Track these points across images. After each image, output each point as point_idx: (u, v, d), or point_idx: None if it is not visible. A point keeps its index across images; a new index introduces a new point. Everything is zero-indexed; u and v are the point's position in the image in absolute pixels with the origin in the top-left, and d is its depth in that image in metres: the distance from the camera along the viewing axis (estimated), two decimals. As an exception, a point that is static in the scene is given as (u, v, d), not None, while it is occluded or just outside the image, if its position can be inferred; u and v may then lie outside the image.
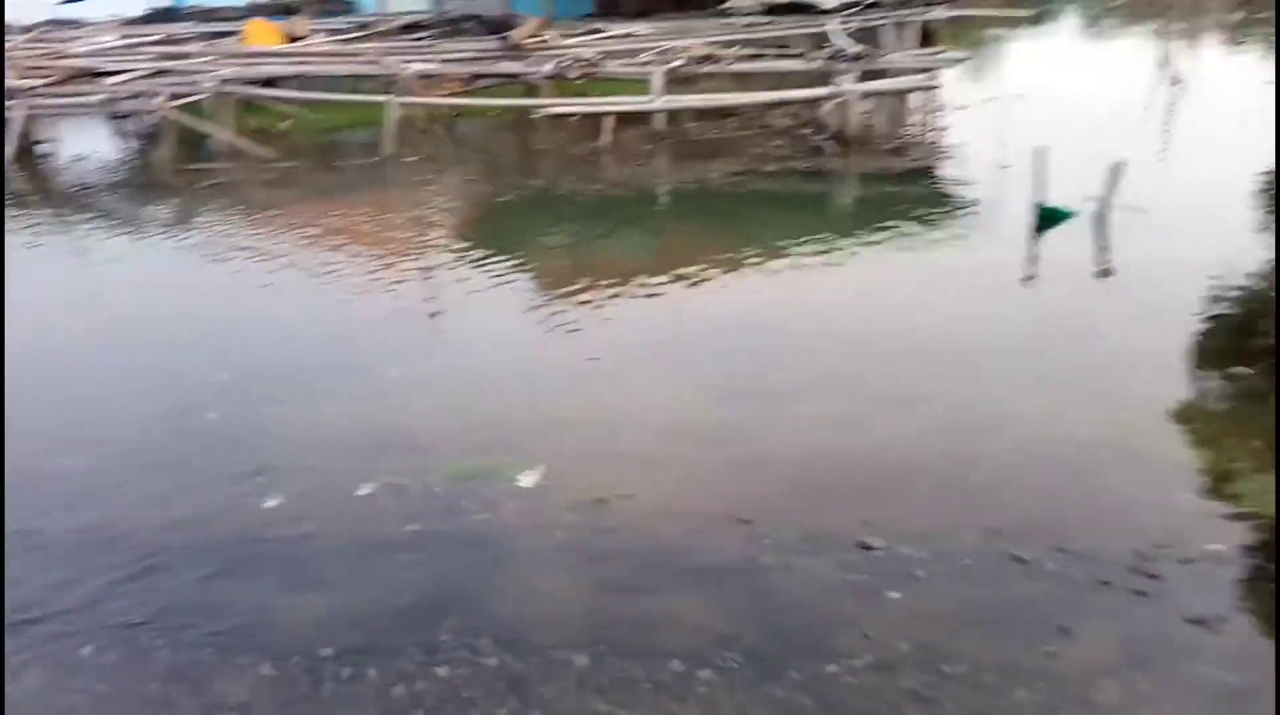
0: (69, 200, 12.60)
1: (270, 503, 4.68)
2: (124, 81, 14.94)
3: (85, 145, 15.47)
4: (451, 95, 15.86)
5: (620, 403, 5.69)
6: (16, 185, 13.47)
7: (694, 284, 7.77)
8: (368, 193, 11.94)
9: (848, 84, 12.57)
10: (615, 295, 7.58)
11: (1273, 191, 8.99)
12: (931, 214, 9.39)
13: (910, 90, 14.13)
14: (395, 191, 12.01)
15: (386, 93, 14.59)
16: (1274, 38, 17.47)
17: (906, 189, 10.75)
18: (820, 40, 16.02)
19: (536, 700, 3.35)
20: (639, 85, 15.03)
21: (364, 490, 4.77)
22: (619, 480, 4.68)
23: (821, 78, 13.78)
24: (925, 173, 11.40)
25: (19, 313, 7.84)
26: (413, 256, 9.09)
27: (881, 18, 18.16)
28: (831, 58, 13.97)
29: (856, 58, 13.87)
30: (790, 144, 13.04)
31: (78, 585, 4.05)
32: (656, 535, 4.21)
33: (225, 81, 14.44)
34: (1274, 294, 6.72)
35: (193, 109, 14.32)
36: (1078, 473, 4.58)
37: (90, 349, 6.99)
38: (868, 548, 4.01)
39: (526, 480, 4.76)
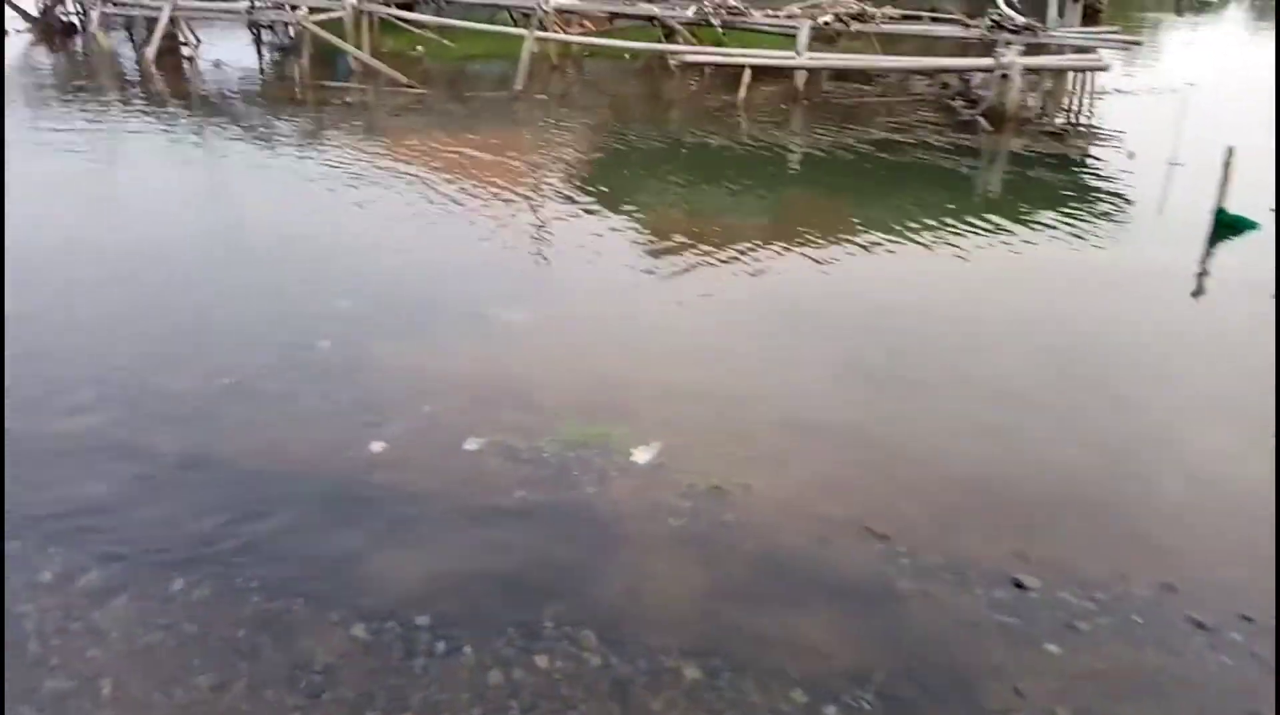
0: (204, 105, 12.73)
1: (376, 447, 4.48)
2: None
3: (225, 52, 15.64)
4: (587, 33, 15.45)
5: (742, 380, 5.30)
6: (157, 85, 13.70)
7: (823, 256, 7.29)
8: (497, 127, 11.67)
9: (1012, 56, 11.63)
10: (740, 259, 7.15)
11: None
12: (1090, 207, 8.60)
13: (1079, 69, 13.06)
14: (524, 128, 11.73)
15: (523, 25, 14.28)
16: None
17: (1063, 177, 9.91)
18: (976, 6, 14.99)
19: (641, 711, 3.05)
20: (776, 39, 14.35)
21: (472, 444, 4.53)
22: (739, 467, 4.32)
23: (981, 47, 12.88)
24: (1085, 161, 10.50)
25: (147, 209, 7.88)
26: (536, 198, 8.81)
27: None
28: (994, 27, 13.01)
29: (1023, 29, 12.89)
30: (937, 115, 12.23)
31: (175, 515, 3.92)
32: (779, 537, 3.84)
33: (365, 0, 14.31)
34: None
35: (331, 25, 14.28)
36: (1267, 527, 4.00)
37: (212, 257, 6.92)
38: (1021, 586, 3.56)
39: (640, 455, 4.43)
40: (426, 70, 14.56)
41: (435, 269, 6.94)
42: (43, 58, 15.94)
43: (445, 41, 15.34)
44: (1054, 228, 7.99)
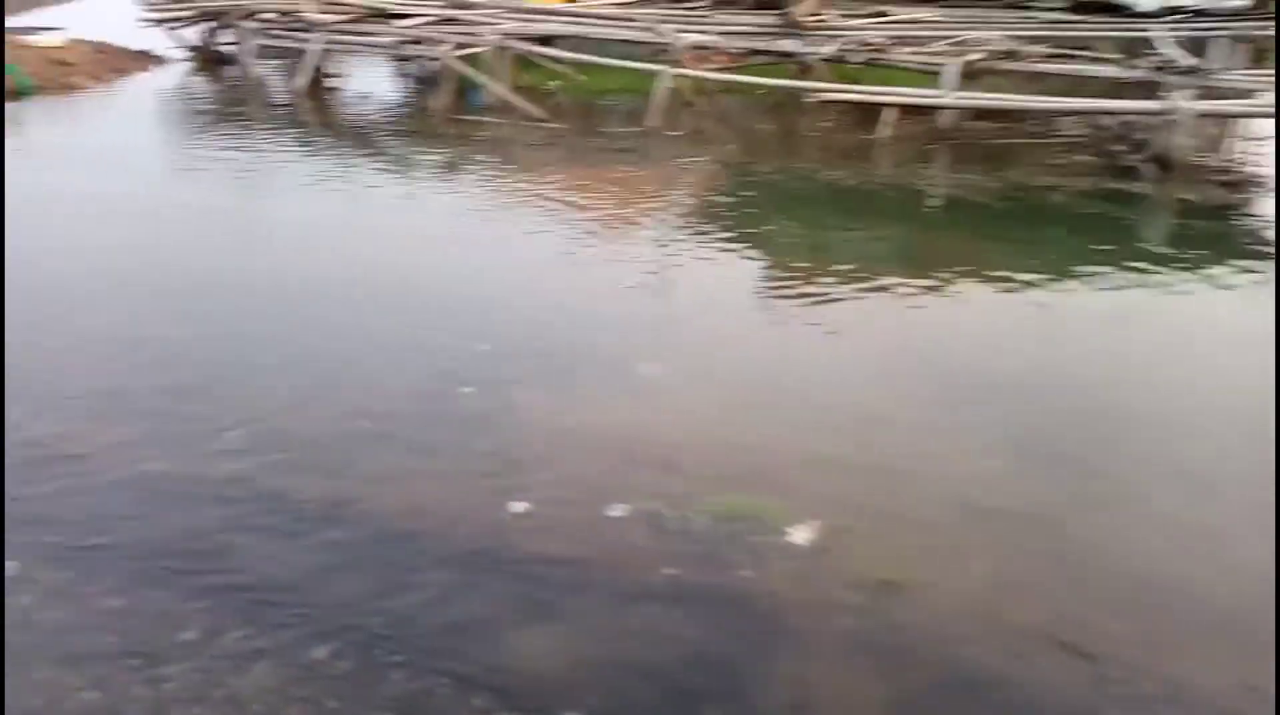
0: (347, 134, 13.07)
1: (517, 507, 4.28)
2: (412, 26, 15.36)
3: (366, 83, 16.12)
4: (720, 69, 15.29)
5: (902, 450, 4.91)
6: (304, 115, 14.16)
7: (974, 309, 6.83)
8: (630, 163, 11.58)
9: (1182, 100, 10.87)
10: (883, 309, 6.76)
11: None
12: (1270, 264, 7.85)
13: (1254, 116, 12.14)
14: (657, 165, 11.59)
15: (657, 61, 14.22)
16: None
17: (1237, 229, 9.14)
18: (1133, 46, 14.17)
19: None
20: (916, 76, 13.87)
21: (615, 511, 4.28)
22: (911, 557, 3.94)
23: (1139, 88, 12.12)
24: (1258, 213, 9.67)
25: (288, 242, 8.00)
26: (671, 238, 8.60)
27: (1212, 27, 15.86)
28: (1159, 69, 12.22)
29: (1190, 71, 12.06)
30: (1091, 159, 11.53)
31: (315, 574, 3.79)
32: (966, 650, 3.43)
33: (507, 35, 14.50)
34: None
35: (471, 60, 14.52)
36: None
37: (351, 292, 6.94)
38: (1256, 729, 3.07)
39: (798, 535, 4.10)
40: (561, 104, 14.64)
41: (570, 312, 6.77)
42: (198, 85, 16.75)
43: (580, 77, 15.43)
44: (1235, 286, 7.30)
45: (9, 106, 13.29)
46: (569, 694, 3.23)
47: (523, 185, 10.39)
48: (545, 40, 15.86)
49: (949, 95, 12.45)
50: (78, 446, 4.57)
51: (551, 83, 15.74)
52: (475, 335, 6.12)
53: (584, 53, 15.26)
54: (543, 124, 13.21)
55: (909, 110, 12.90)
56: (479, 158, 11.66)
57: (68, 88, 14.93)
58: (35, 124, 13.03)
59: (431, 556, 3.93)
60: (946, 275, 7.54)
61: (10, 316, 6.02)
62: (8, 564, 3.70)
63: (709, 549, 4.00)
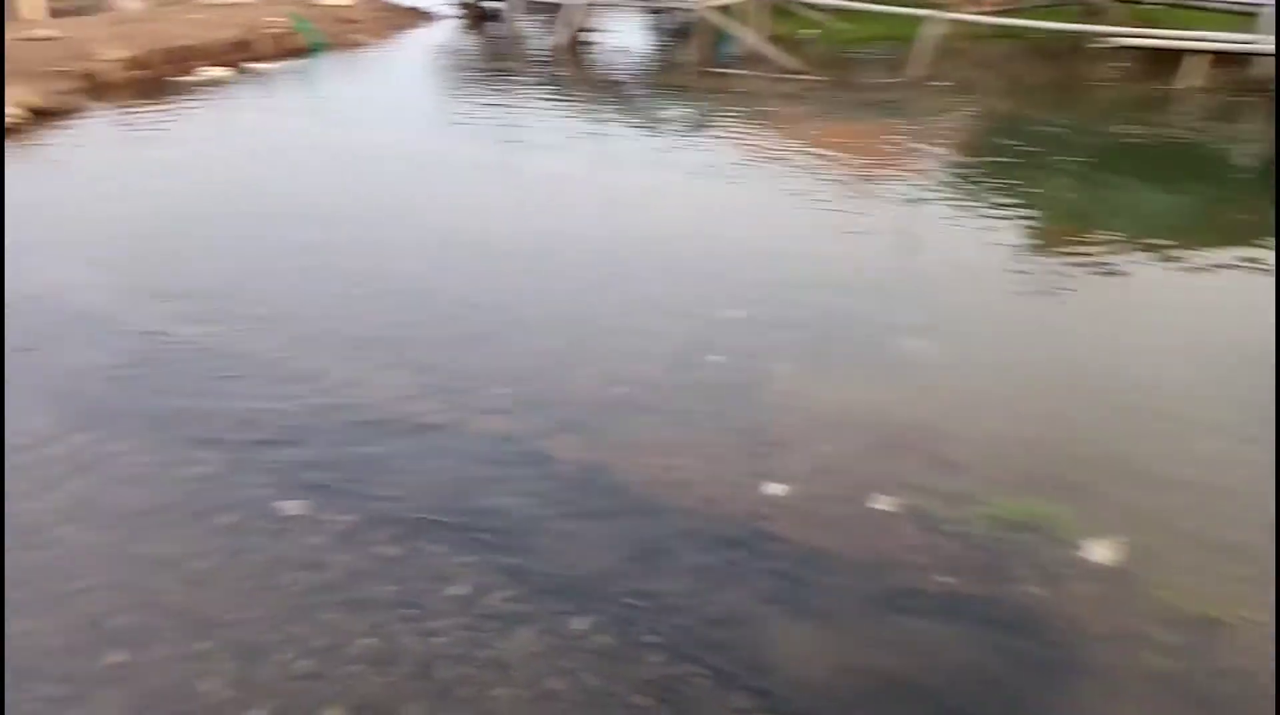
0: (604, 88, 13.20)
1: (773, 489, 4.08)
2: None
3: (618, 36, 16.24)
4: (995, 12, 14.09)
5: (1217, 459, 4.26)
6: (562, 70, 14.46)
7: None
8: (891, 116, 10.92)
9: None
10: (1181, 284, 5.94)
11: None
12: None
13: None
14: (921, 118, 10.86)
15: (925, 5, 13.28)
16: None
17: None
18: None
19: None
20: (1222, 18, 12.11)
21: (880, 503, 3.98)
22: (1237, 591, 3.38)
23: None
24: None
25: (546, 201, 8.14)
26: (936, 201, 8.01)
27: None
28: None
29: None
30: None
31: (574, 541, 3.77)
32: (1310, 712, 2.90)
33: (763, -17, 14.08)
34: None
35: (726, 10, 14.22)
36: None
37: (611, 253, 6.96)
38: None
39: (1098, 551, 3.63)
40: (816, 54, 14.07)
41: (827, 279, 6.43)
42: (465, 40, 17.53)
43: (839, 24, 14.73)
44: None
45: (301, 62, 14.48)
46: (831, 706, 3.02)
47: (774, 141, 10.04)
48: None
49: (1268, 40, 10.78)
50: (363, 395, 4.82)
51: (807, 30, 15.16)
52: (728, 301, 5.94)
53: (844, -1, 14.56)
54: (798, 75, 12.74)
55: (1216, 59, 11.32)
56: (730, 111, 11.40)
57: (352, 44, 16.06)
58: (324, 78, 14.12)
59: (689, 535, 3.81)
60: (1259, 251, 6.53)
61: (297, 258, 6.52)
62: (296, 503, 3.96)
63: (990, 559, 3.63)
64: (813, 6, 14.80)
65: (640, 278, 6.47)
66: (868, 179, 8.70)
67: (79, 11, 16.61)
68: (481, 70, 14.66)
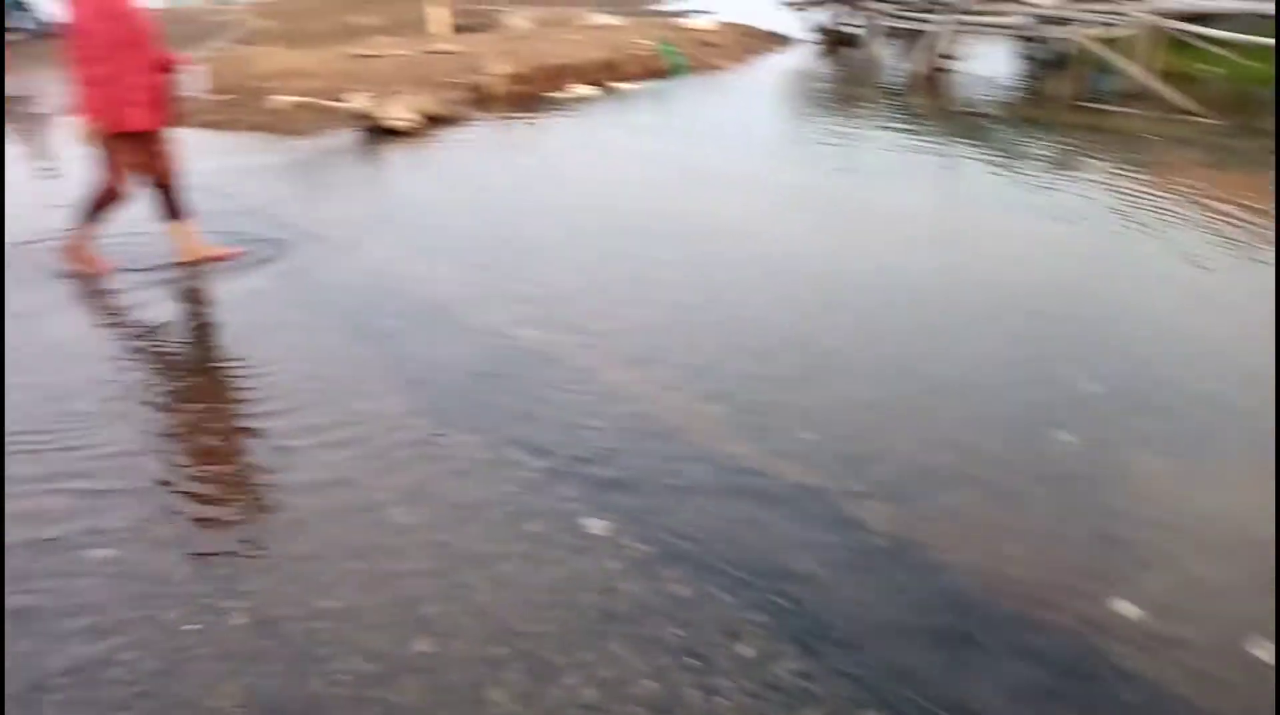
0: (958, 121, 12.49)
1: (1125, 608, 3.48)
2: (1050, 5, 14.14)
3: (986, 65, 15.30)
4: None
5: None
6: (917, 98, 13.90)
7: None
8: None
9: None
10: None
11: None
12: None
13: None
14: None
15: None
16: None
17: None
18: None
19: None
20: None
21: (1263, 651, 3.26)
22: None
23: None
24: None
25: (881, 242, 7.75)
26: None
27: None
28: None
29: None
30: None
31: (872, 622, 3.44)
32: None
33: (1161, 14, 12.61)
34: None
35: (1110, 41, 12.92)
36: None
37: (937, 299, 6.48)
38: None
39: None
40: (1216, 95, 12.36)
41: (1202, 359, 5.52)
42: (820, 66, 17.44)
43: (1247, 62, 12.86)
44: None
45: (661, 84, 15.14)
46: None
47: (1154, 189, 8.90)
48: (1203, 19, 13.52)
49: None
50: (677, 422, 4.81)
51: (1207, 67, 13.38)
52: (1086, 372, 5.26)
53: (1257, 33, 12.67)
54: (1190, 117, 11.25)
55: None
56: (1106, 154, 10.29)
57: (712, 67, 16.57)
58: (680, 99, 14.65)
59: (1009, 641, 3.35)
60: None
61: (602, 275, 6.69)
62: (601, 522, 3.98)
63: None
64: (1217, 42, 13.01)
65: (979, 330, 5.95)
66: (1266, 241, 7.43)
67: (476, 29, 18.63)
68: (832, 96, 14.47)
